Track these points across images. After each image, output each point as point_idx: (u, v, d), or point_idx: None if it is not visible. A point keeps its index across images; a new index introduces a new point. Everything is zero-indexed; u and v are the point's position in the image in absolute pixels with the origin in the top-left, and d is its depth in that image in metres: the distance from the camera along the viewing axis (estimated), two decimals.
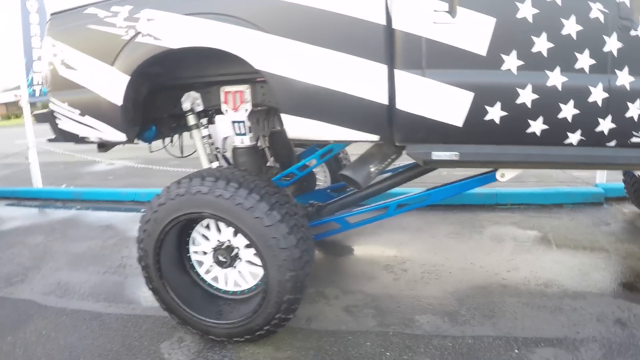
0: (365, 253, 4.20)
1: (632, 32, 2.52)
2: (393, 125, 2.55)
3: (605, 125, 2.58)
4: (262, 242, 2.55)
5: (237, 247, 2.85)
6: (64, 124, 3.18)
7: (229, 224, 2.65)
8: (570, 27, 2.46)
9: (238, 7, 2.53)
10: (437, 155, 2.59)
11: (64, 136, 3.24)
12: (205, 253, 2.97)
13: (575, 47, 2.48)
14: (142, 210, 2.88)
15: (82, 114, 3.02)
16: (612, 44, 2.51)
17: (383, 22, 2.40)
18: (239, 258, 2.88)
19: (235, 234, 2.81)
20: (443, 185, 3.27)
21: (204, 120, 3.46)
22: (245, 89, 3.12)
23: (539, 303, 3.20)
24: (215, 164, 3.28)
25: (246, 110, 3.15)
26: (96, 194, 6.95)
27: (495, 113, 2.49)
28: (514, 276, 3.60)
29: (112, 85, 2.82)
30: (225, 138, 3.56)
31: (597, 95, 2.53)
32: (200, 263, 3.03)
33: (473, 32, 2.42)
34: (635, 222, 4.86)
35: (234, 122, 3.21)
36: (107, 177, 8.67)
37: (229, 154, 3.70)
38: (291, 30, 2.46)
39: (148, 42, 2.68)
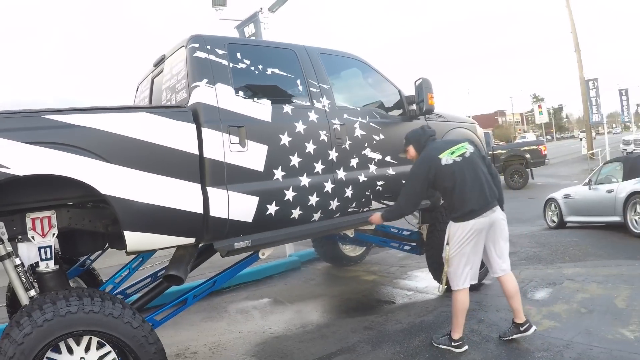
0: None
1: (342, 146, 4.02)
2: (205, 229, 3.30)
3: (334, 204, 4.00)
4: (134, 342, 2.82)
5: None
6: None
7: (100, 335, 2.80)
8: (310, 147, 3.80)
9: (84, 140, 2.83)
10: (238, 244, 3.49)
11: None
12: None
13: (314, 159, 3.82)
14: None
15: None
16: (333, 154, 3.95)
17: (196, 152, 3.21)
18: None
19: (87, 349, 2.86)
20: (222, 272, 4.10)
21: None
22: (52, 214, 3.13)
23: (309, 337, 4.35)
24: (32, 292, 3.08)
25: (53, 234, 3.13)
26: None
27: (272, 209, 3.57)
28: (278, 328, 4.67)
29: None
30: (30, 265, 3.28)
31: (328, 187, 3.92)
32: None
33: (255, 156, 3.48)
34: (331, 272, 6.68)
35: (40, 247, 3.11)
36: None
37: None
38: (129, 159, 2.96)
39: None
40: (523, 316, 3.79)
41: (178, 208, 3.14)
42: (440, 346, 3.79)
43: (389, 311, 4.92)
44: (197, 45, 3.49)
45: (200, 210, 3.24)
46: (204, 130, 3.27)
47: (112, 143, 2.94)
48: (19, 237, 3.17)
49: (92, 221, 3.37)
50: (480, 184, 3.60)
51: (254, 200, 3.47)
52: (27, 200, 3.06)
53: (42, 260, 3.14)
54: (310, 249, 7.19)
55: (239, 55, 3.66)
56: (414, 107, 4.68)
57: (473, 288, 5.08)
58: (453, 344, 3.73)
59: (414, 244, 5.51)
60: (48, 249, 3.13)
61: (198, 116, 3.29)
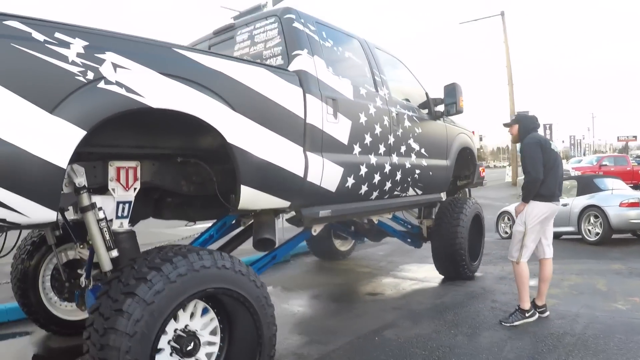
0: None
1: (397, 133, 4.32)
2: (300, 193, 3.36)
3: (388, 185, 4.25)
4: (258, 303, 2.67)
5: (196, 329, 2.60)
6: None
7: (229, 293, 2.59)
8: (377, 129, 4.05)
9: (214, 82, 2.71)
10: (322, 213, 3.59)
11: None
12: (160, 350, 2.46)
13: (379, 141, 4.07)
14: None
15: None
16: (391, 139, 4.23)
17: (302, 116, 3.31)
18: (199, 342, 2.60)
19: (192, 317, 2.60)
20: (281, 246, 4.20)
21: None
22: (137, 166, 2.81)
23: (346, 317, 4.48)
24: (114, 253, 2.60)
25: (135, 189, 2.80)
26: None
27: (350, 181, 3.75)
28: (306, 311, 4.79)
29: (52, 140, 2.06)
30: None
31: (387, 168, 4.18)
32: None
33: (343, 129, 3.66)
34: (322, 265, 6.94)
35: (120, 202, 2.73)
36: None
37: None
38: (250, 110, 2.91)
39: (119, 93, 2.26)
40: (544, 299, 4.35)
41: (285, 168, 3.17)
42: (515, 323, 4.12)
43: (404, 295, 5.23)
44: (293, 16, 3.63)
45: (301, 174, 3.30)
46: (308, 97, 3.37)
47: (237, 91, 2.87)
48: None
49: (175, 178, 3.16)
50: (561, 177, 4.33)
51: (339, 171, 3.62)
52: (124, 144, 2.76)
53: (117, 217, 2.74)
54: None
55: (324, 34, 3.85)
56: (438, 108, 5.13)
57: (468, 278, 5.65)
58: (527, 314, 4.18)
59: (415, 238, 5.91)
60: (127, 205, 2.77)
61: (301, 82, 3.39)
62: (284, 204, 3.32)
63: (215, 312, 2.71)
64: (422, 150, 4.79)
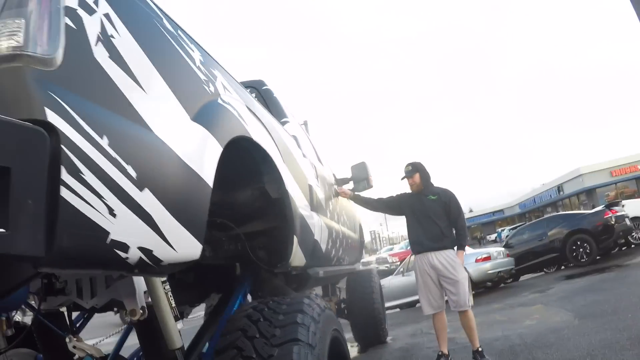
0: None
1: (332, 199, 4.64)
2: (311, 251, 3.30)
3: (340, 251, 4.46)
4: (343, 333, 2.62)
5: None
6: (78, 200, 1.08)
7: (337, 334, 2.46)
8: (332, 196, 4.35)
9: (273, 130, 2.72)
10: (321, 273, 3.63)
11: (71, 238, 1.07)
12: None
13: (333, 207, 4.35)
14: None
15: (140, 182, 1.28)
16: (331, 206, 4.53)
17: (306, 176, 3.43)
18: None
19: None
20: None
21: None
22: None
23: None
24: (180, 324, 2.09)
25: None
26: None
27: (330, 243, 3.87)
28: None
29: (199, 151, 1.63)
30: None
31: (340, 234, 4.44)
32: None
33: (322, 192, 3.87)
34: None
35: None
36: None
37: None
38: (289, 164, 2.90)
39: (235, 115, 2.02)
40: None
41: (309, 223, 3.19)
42: None
43: None
44: (270, 88, 3.97)
45: (314, 231, 3.34)
46: (304, 159, 3.57)
47: (282, 142, 2.91)
48: None
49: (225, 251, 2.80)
50: None
51: (327, 231, 3.77)
52: None
53: None
54: None
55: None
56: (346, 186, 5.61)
57: (385, 340, 6.00)
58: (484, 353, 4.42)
59: None
60: None
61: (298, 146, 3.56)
62: (303, 262, 3.24)
63: None
64: (347, 221, 5.17)
